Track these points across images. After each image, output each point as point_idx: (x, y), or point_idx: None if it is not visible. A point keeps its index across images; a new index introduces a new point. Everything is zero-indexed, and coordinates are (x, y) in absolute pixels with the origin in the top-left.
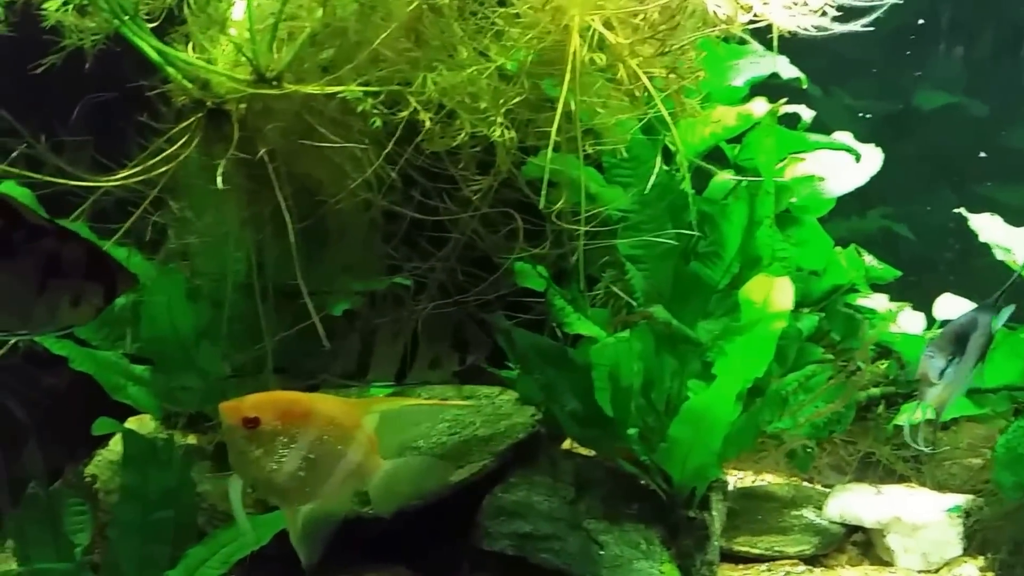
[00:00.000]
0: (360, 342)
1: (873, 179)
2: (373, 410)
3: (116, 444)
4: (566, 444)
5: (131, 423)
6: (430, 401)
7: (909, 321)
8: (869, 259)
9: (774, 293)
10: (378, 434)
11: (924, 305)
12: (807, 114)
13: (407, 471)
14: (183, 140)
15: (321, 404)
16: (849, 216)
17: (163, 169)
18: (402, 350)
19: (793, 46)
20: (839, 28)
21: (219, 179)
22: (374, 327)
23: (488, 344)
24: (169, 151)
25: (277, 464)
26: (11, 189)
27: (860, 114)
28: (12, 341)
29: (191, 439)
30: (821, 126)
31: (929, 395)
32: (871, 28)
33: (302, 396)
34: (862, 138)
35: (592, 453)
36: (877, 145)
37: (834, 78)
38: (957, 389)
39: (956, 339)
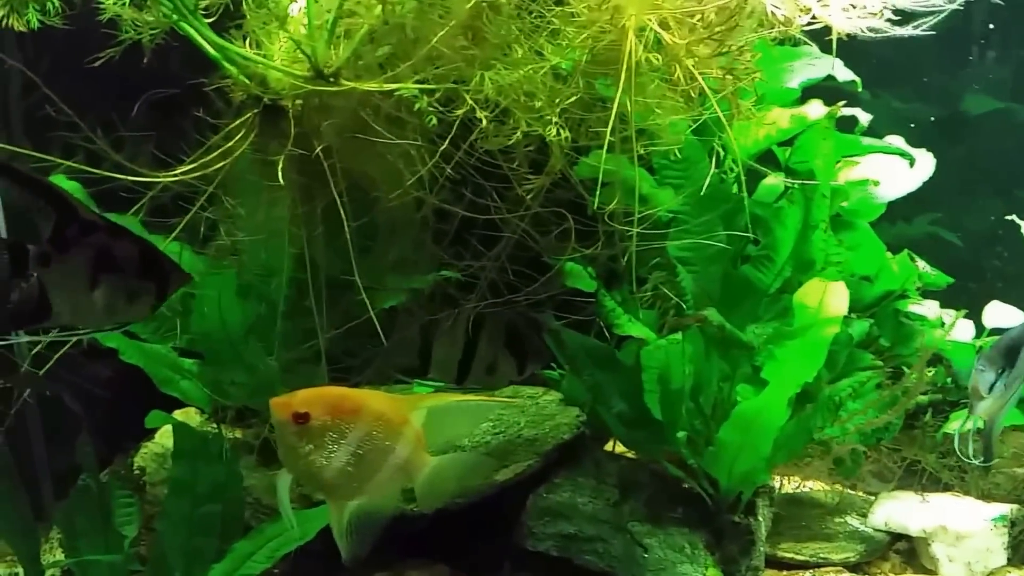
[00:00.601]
0: (419, 339)
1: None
2: (421, 406)
3: (161, 437)
4: (607, 446)
5: (176, 416)
6: (477, 397)
7: (958, 328)
8: (922, 265)
9: (828, 297)
10: (425, 430)
11: (971, 313)
12: (864, 117)
13: (453, 467)
14: (239, 136)
15: (370, 400)
16: (895, 221)
17: (219, 165)
18: (461, 352)
19: (839, 49)
20: (898, 32)
21: (279, 175)
22: (426, 324)
23: (547, 354)
24: (225, 147)
25: (326, 459)
26: (61, 183)
27: (910, 122)
28: (74, 340)
29: (237, 433)
30: (868, 130)
31: (979, 408)
32: (931, 32)
33: (351, 392)
34: (910, 143)
35: (634, 455)
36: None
37: (881, 82)
38: (1009, 402)
39: (1007, 352)
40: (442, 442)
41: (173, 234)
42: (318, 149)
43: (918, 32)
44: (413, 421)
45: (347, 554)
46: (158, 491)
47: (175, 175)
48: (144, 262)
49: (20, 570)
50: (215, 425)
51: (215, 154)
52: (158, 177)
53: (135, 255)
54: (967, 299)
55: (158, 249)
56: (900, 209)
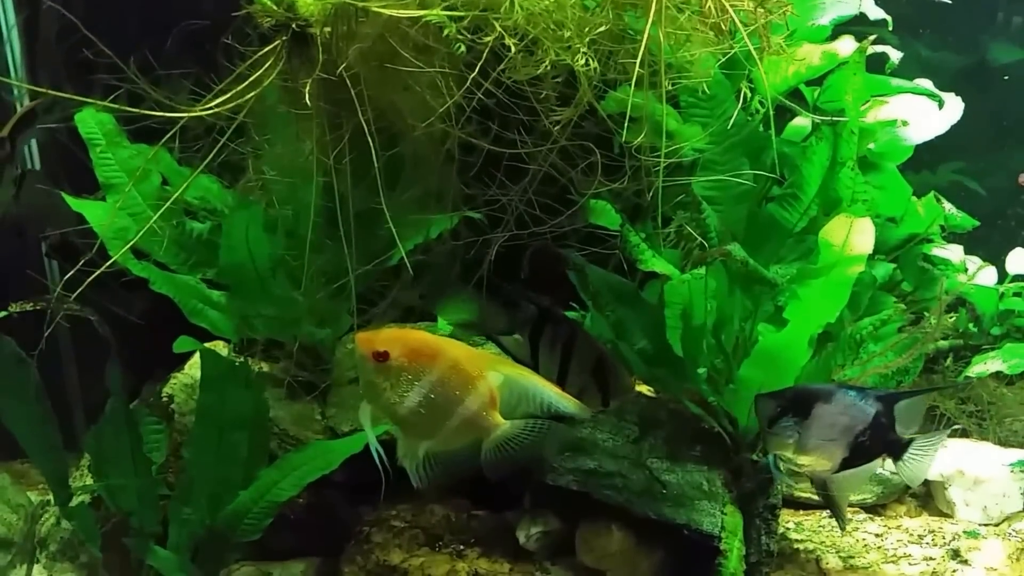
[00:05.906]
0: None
1: (945, 132)
2: (500, 369)
3: (191, 368)
4: None
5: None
6: (556, 390)
7: (982, 274)
8: (948, 207)
9: (854, 235)
10: (500, 393)
11: (993, 261)
12: (895, 55)
13: (526, 433)
14: (267, 65)
15: (449, 348)
16: (920, 170)
17: (249, 96)
18: (557, 370)
19: None
20: None
21: (307, 99)
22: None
23: (632, 389)
24: (253, 76)
25: (400, 398)
26: (90, 116)
27: (936, 69)
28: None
29: (263, 366)
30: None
31: (770, 443)
32: None
33: (432, 338)
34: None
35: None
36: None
37: (909, 28)
38: (817, 460)
39: (795, 399)
40: (509, 411)
41: (201, 166)
42: (341, 69)
43: None
44: (489, 379)
45: (417, 482)
46: (187, 420)
47: (203, 109)
48: None
49: (52, 497)
50: (241, 357)
51: (244, 84)
52: (188, 113)
53: None
54: (991, 247)
55: None
56: (925, 157)
